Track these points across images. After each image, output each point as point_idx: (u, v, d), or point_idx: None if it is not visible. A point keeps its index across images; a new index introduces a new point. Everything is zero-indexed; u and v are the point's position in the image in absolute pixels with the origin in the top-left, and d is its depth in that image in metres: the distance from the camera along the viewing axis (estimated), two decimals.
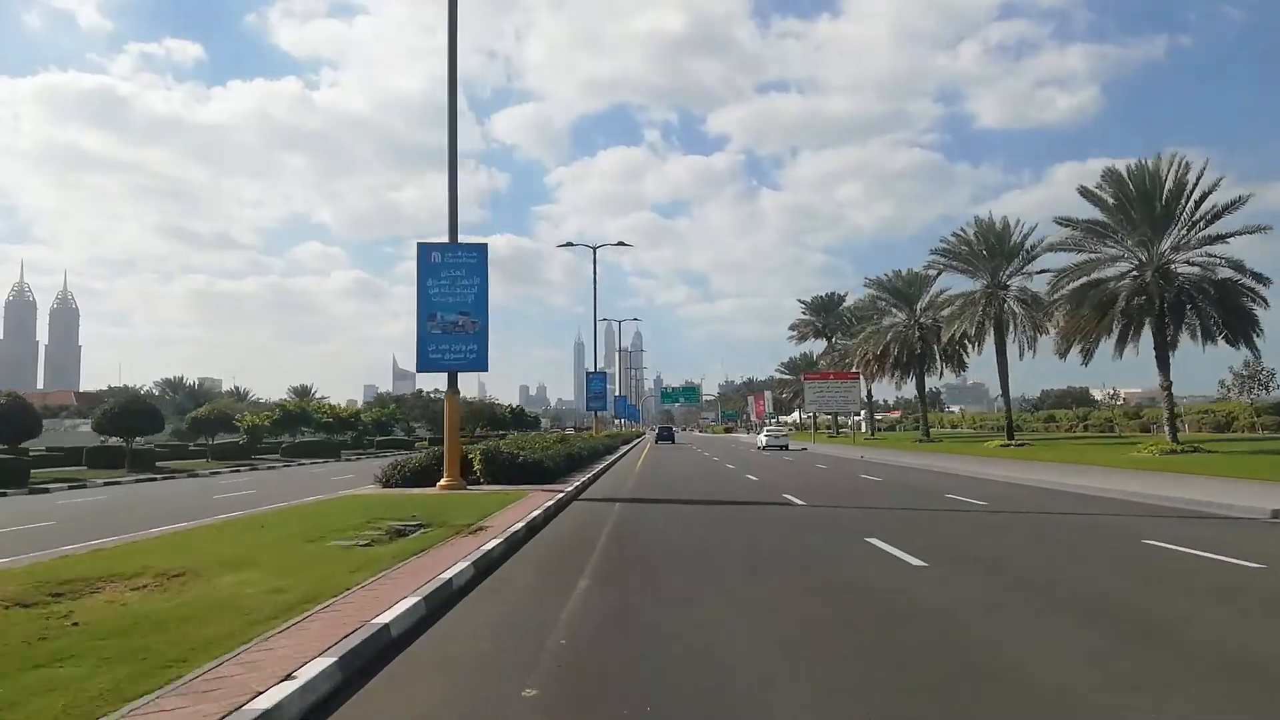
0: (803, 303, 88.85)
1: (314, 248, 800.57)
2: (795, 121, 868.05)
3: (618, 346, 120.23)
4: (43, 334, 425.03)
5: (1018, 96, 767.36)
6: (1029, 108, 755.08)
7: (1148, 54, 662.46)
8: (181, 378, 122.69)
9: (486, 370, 18.80)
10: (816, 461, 34.54)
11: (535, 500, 15.37)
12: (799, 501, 16.43)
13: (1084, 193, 32.77)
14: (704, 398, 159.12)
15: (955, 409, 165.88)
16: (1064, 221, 33.71)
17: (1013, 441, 42.97)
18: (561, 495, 16.57)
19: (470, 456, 19.84)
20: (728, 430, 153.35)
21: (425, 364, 18.38)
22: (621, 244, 50.53)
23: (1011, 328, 43.56)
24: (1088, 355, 34.08)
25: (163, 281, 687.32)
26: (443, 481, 18.18)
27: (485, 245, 18.96)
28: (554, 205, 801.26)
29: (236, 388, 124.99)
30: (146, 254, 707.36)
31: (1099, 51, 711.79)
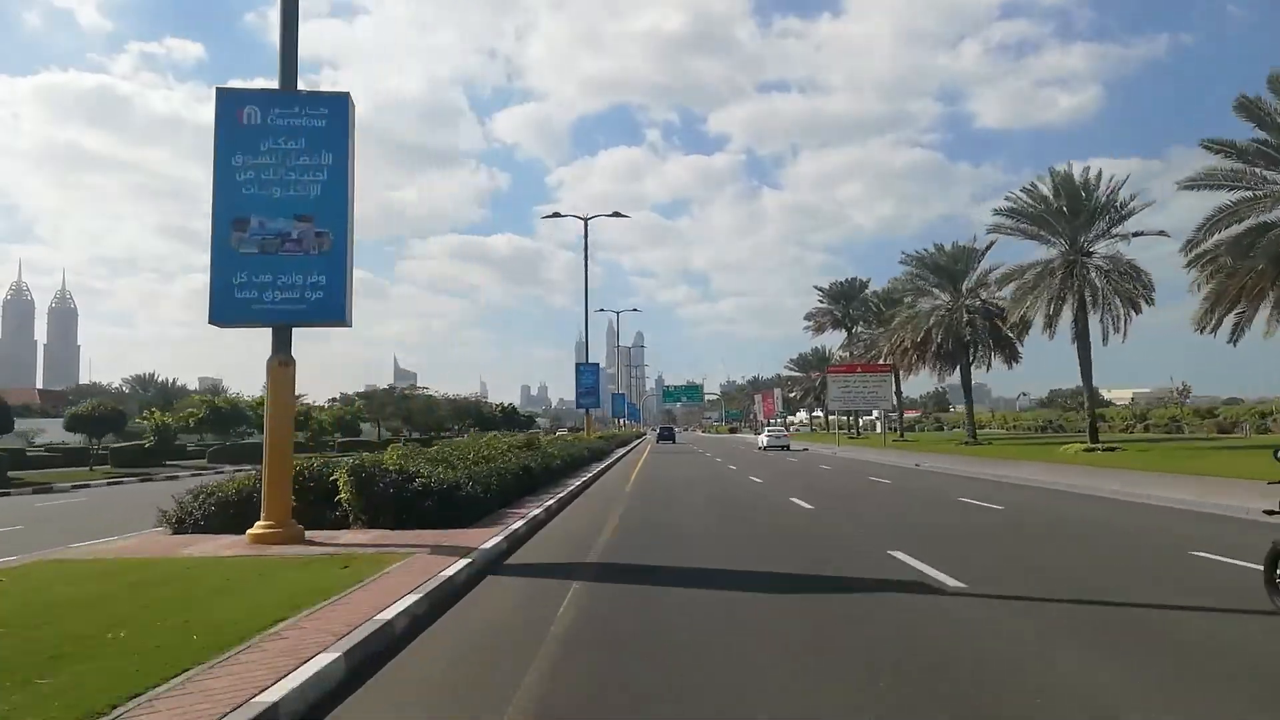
0: (820, 290, 79.31)
1: None
2: (796, 121, 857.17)
3: (616, 343, 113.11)
4: (41, 333, 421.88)
5: (1019, 96, 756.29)
6: (1030, 107, 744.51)
7: (1150, 53, 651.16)
8: (153, 374, 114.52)
9: (347, 324, 10.30)
10: (867, 472, 25.99)
11: (393, 584, 6.95)
12: (948, 580, 7.72)
13: (1242, 106, 23.99)
14: (706, 397, 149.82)
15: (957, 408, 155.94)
16: (1216, 146, 24.97)
17: (1099, 445, 34.43)
18: (463, 564, 8.11)
19: (332, 478, 11.35)
20: (732, 430, 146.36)
21: (225, 310, 9.88)
22: (616, 214, 44.11)
23: (1095, 304, 34.95)
24: (1238, 330, 25.56)
25: (164, 281, 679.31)
26: (256, 528, 9.71)
27: (345, 97, 10.45)
28: (555, 205, 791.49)
29: (215, 385, 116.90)
30: (147, 254, 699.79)
31: (1100, 51, 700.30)
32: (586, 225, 43.70)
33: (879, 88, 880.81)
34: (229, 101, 10.09)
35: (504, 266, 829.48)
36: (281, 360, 10.09)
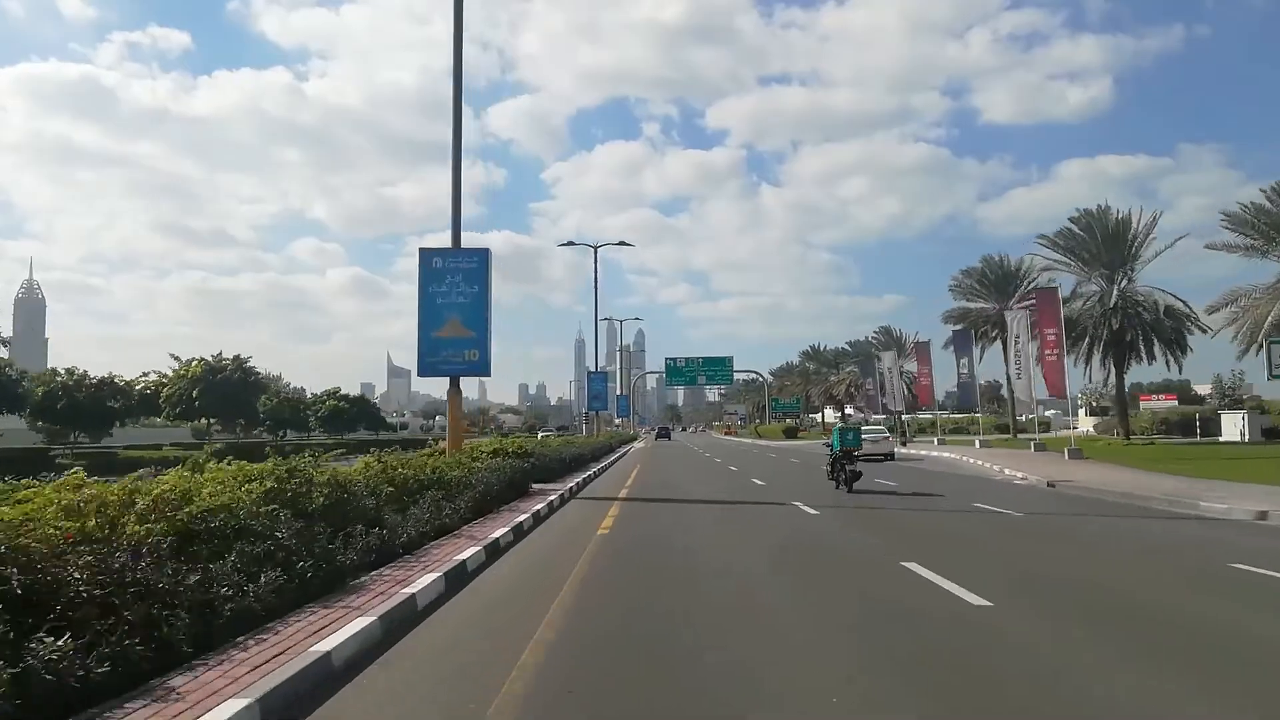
0: None
1: (310, 244, 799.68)
2: (797, 115, 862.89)
3: (618, 345, 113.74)
4: (5, 325, 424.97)
5: (1028, 89, 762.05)
6: (1039, 101, 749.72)
7: (1164, 45, 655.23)
8: (75, 369, 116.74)
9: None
10: None
11: None
12: None
13: None
14: (735, 376, 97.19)
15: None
16: None
17: None
18: None
19: None
20: (791, 432, 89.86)
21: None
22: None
23: None
24: None
25: (158, 278, 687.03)
26: None
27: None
28: (552, 202, 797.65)
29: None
30: (141, 250, 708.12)
31: (1113, 42, 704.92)
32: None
33: (883, 80, 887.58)
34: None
35: (502, 265, 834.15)
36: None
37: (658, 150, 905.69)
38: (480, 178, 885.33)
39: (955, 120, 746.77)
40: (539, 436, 53.13)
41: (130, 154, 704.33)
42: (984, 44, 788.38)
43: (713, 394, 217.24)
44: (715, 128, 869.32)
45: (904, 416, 70.34)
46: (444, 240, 20.54)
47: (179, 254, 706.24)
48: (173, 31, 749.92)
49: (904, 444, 50.88)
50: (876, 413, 67.95)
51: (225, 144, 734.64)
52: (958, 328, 56.72)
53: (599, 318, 54.51)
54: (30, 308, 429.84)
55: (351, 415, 66.57)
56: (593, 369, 56.34)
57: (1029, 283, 56.98)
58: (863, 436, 42.68)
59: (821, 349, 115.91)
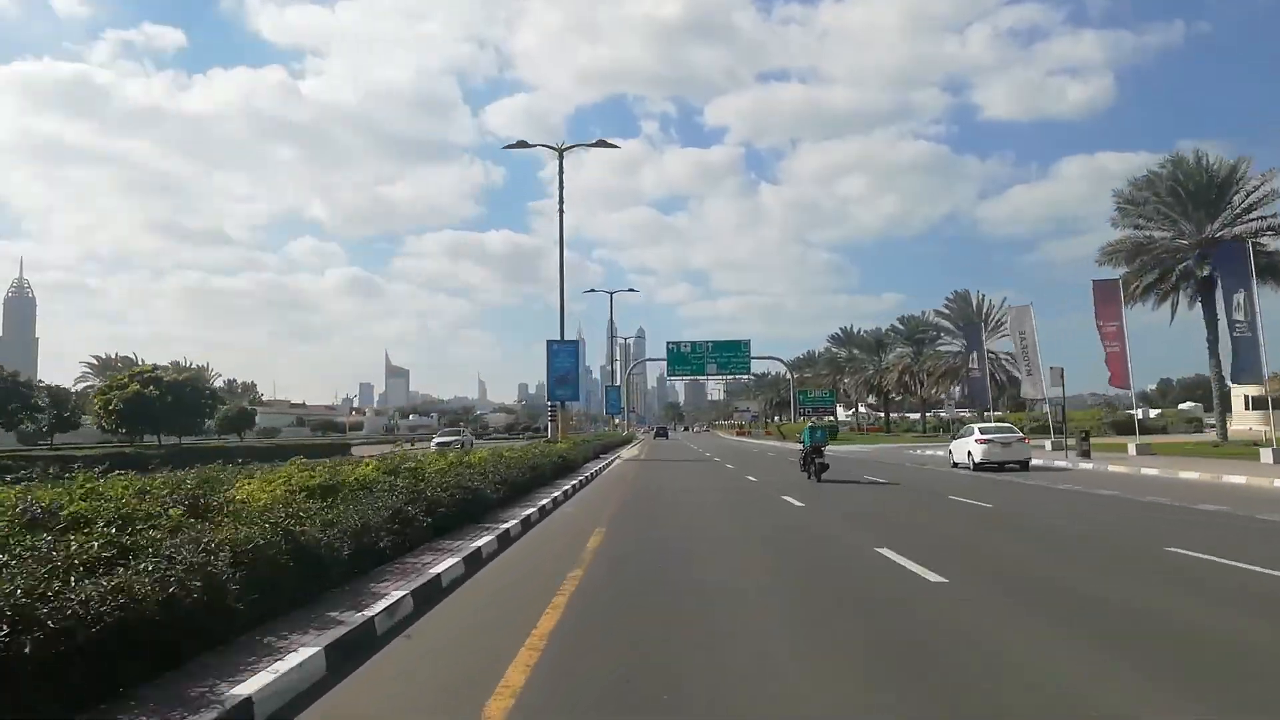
0: None
1: (308, 243, 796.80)
2: (796, 112, 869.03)
3: (613, 334, 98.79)
4: None
5: (1028, 86, 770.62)
6: (1039, 98, 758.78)
7: (1165, 41, 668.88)
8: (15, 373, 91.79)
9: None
10: None
11: None
12: None
13: None
14: (751, 362, 74.06)
15: None
16: None
17: None
18: None
19: None
20: (832, 431, 67.19)
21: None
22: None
23: None
24: None
25: (155, 278, 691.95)
26: None
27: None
28: (550, 200, 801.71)
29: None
30: (137, 249, 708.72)
31: (1114, 38, 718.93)
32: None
33: (882, 77, 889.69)
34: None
35: (501, 264, 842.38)
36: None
37: (656, 148, 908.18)
38: (479, 177, 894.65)
39: (955, 117, 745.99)
40: (432, 444, 42.20)
41: (125, 152, 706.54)
42: (984, 40, 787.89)
43: (716, 391, 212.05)
44: (713, 125, 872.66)
45: (1017, 411, 57.54)
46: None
47: (175, 253, 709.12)
48: (167, 29, 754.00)
49: (1085, 453, 32.13)
50: (985, 408, 49.02)
51: (221, 142, 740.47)
52: (1125, 270, 40.25)
53: (586, 302, 58.62)
54: (21, 308, 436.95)
55: (167, 408, 45.93)
56: (559, 338, 41.78)
57: (1253, 193, 38.19)
58: (989, 436, 29.57)
59: (856, 331, 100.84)
